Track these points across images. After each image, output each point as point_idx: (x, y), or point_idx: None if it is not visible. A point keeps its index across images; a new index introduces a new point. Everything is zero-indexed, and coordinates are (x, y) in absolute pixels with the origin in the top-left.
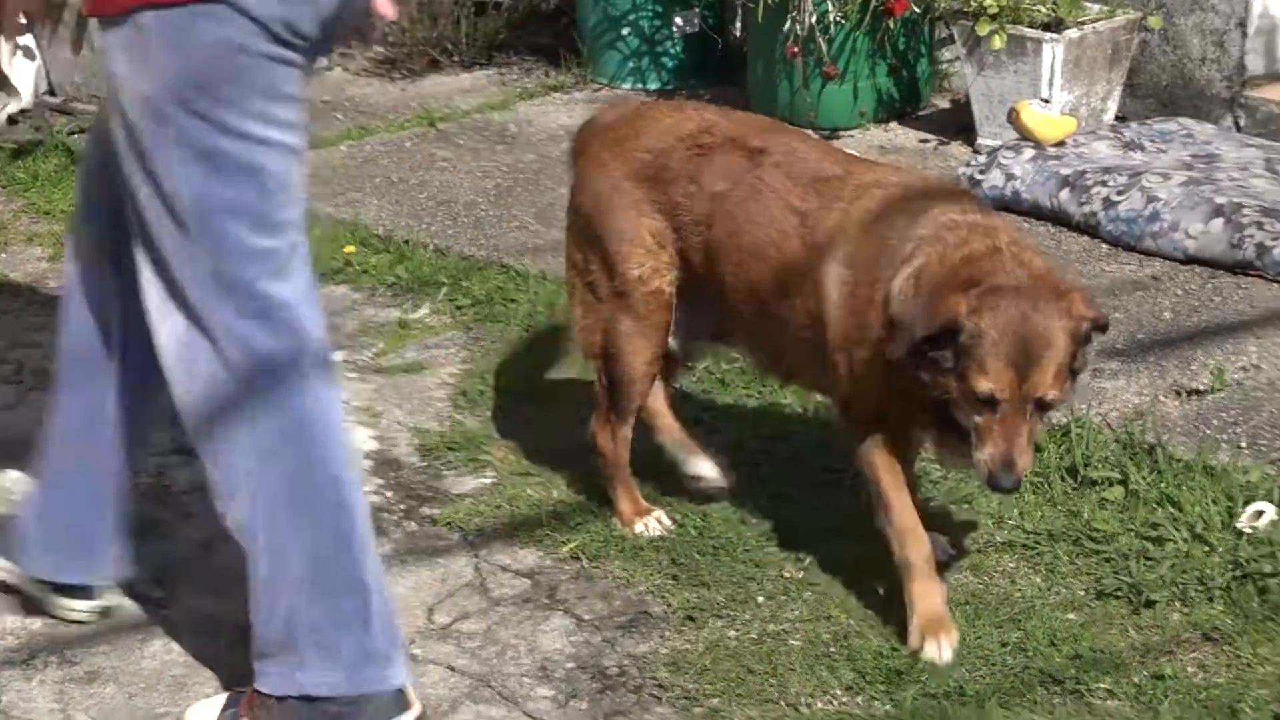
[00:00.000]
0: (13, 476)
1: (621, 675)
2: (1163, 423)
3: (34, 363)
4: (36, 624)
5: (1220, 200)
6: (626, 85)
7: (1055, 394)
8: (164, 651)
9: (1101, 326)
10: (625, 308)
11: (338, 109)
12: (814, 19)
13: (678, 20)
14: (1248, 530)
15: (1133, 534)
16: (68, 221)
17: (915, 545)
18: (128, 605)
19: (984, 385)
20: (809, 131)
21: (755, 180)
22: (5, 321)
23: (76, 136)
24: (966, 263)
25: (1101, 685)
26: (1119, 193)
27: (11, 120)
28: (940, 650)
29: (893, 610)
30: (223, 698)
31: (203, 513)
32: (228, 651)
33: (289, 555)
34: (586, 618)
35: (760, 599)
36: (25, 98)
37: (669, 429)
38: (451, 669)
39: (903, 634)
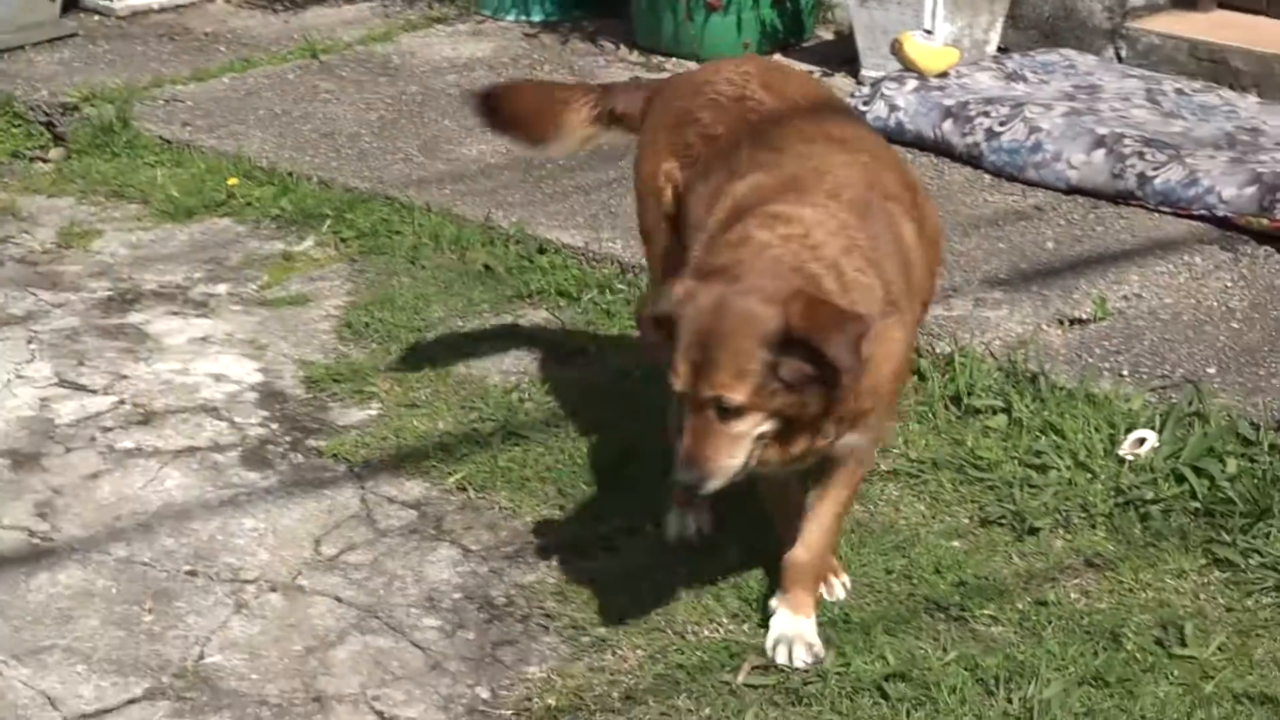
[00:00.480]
0: None
1: (509, 605)
2: (1045, 351)
3: None
4: None
5: (1102, 131)
6: (510, 17)
7: (738, 399)
8: (49, 584)
9: (802, 339)
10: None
11: (219, 41)
12: None
13: None
14: (1129, 457)
15: (1016, 462)
16: None
17: None
18: None
19: (671, 378)
20: (838, 104)
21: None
22: None
23: None
24: (728, 247)
25: (986, 612)
26: (1001, 123)
27: None
28: None
29: (776, 536)
30: None
31: (84, 445)
32: (111, 582)
33: None
34: (473, 548)
35: (648, 528)
36: None
37: None
38: (339, 600)
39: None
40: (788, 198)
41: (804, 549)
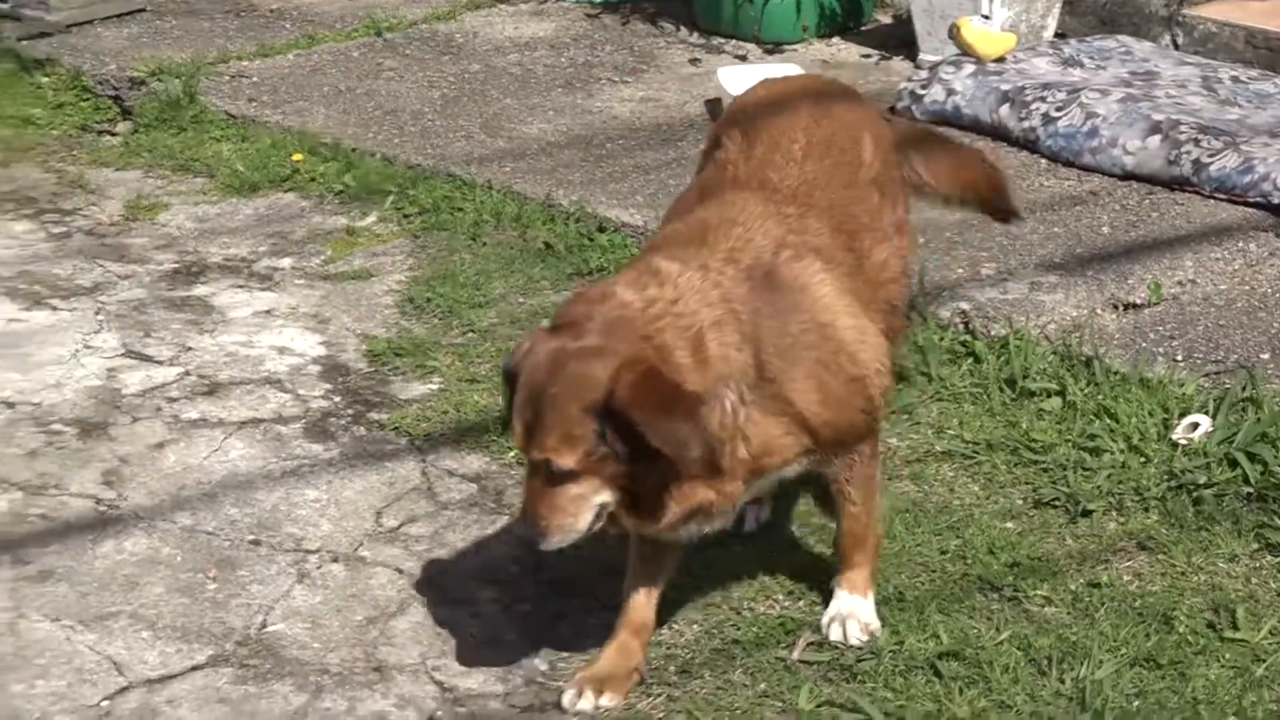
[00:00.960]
0: None
1: (565, 580)
2: (1100, 335)
3: None
4: None
5: (1158, 117)
6: None
7: (567, 464)
8: (115, 551)
9: (621, 410)
10: None
11: (285, 18)
12: None
13: None
14: (1182, 442)
15: (1070, 444)
16: (15, 127)
17: None
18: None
19: (510, 434)
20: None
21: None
22: None
23: (26, 42)
24: (587, 301)
25: (1039, 592)
26: (1058, 108)
27: None
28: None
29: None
30: None
31: (150, 415)
32: (175, 550)
33: None
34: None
35: None
36: None
37: None
38: (399, 571)
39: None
40: (682, 252)
41: (859, 527)
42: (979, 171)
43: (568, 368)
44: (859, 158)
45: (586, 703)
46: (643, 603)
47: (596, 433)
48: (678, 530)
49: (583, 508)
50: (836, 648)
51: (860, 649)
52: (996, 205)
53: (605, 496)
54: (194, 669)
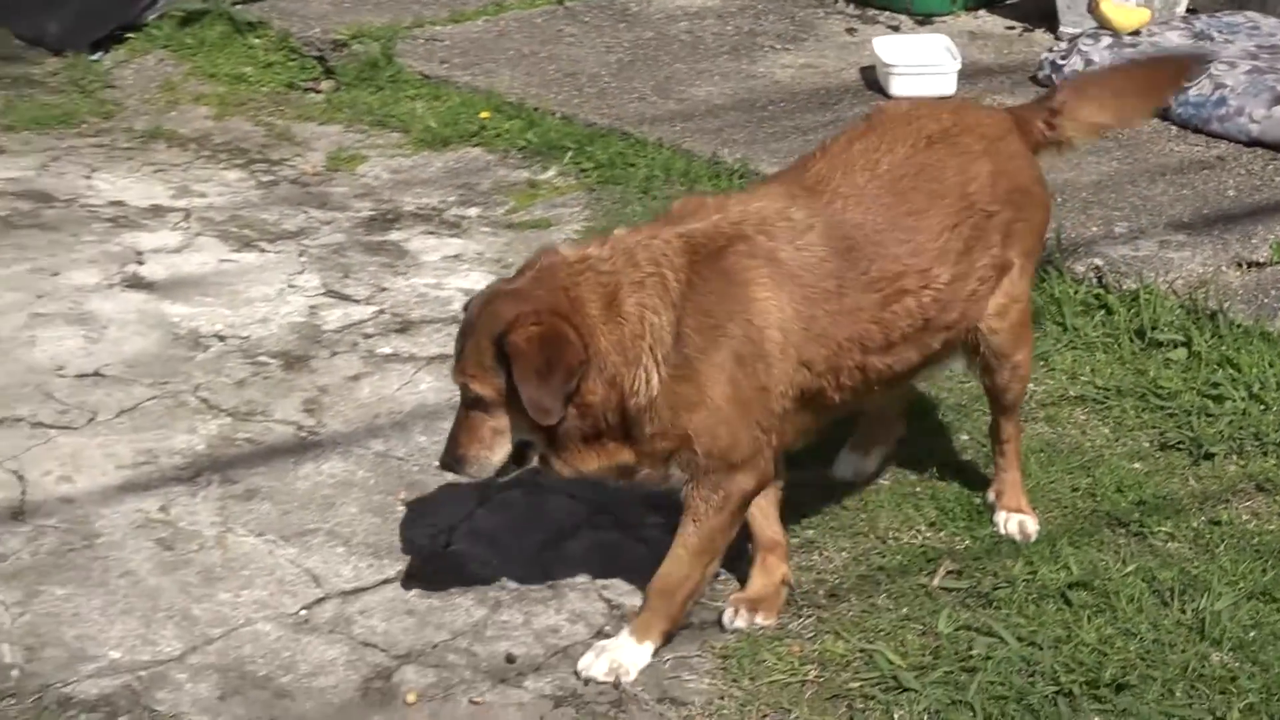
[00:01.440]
0: None
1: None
2: (1224, 291)
3: (199, 210)
4: (201, 445)
5: None
6: None
7: (480, 390)
8: (314, 473)
9: (507, 354)
10: None
11: None
12: None
13: None
14: None
15: (1194, 392)
16: (229, 83)
17: None
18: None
19: None
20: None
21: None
22: (174, 173)
23: (239, 6)
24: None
25: (1163, 529)
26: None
27: None
28: None
29: (973, 454)
30: None
31: (347, 349)
32: (369, 474)
33: None
34: None
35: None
36: None
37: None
38: (573, 497)
39: (980, 481)
40: (655, 222)
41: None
42: (1147, 82)
43: (492, 304)
44: (954, 192)
45: (742, 621)
46: (762, 521)
47: (499, 366)
48: (606, 480)
49: (499, 441)
50: (974, 575)
51: (995, 577)
52: (1182, 82)
53: (524, 434)
54: (384, 582)
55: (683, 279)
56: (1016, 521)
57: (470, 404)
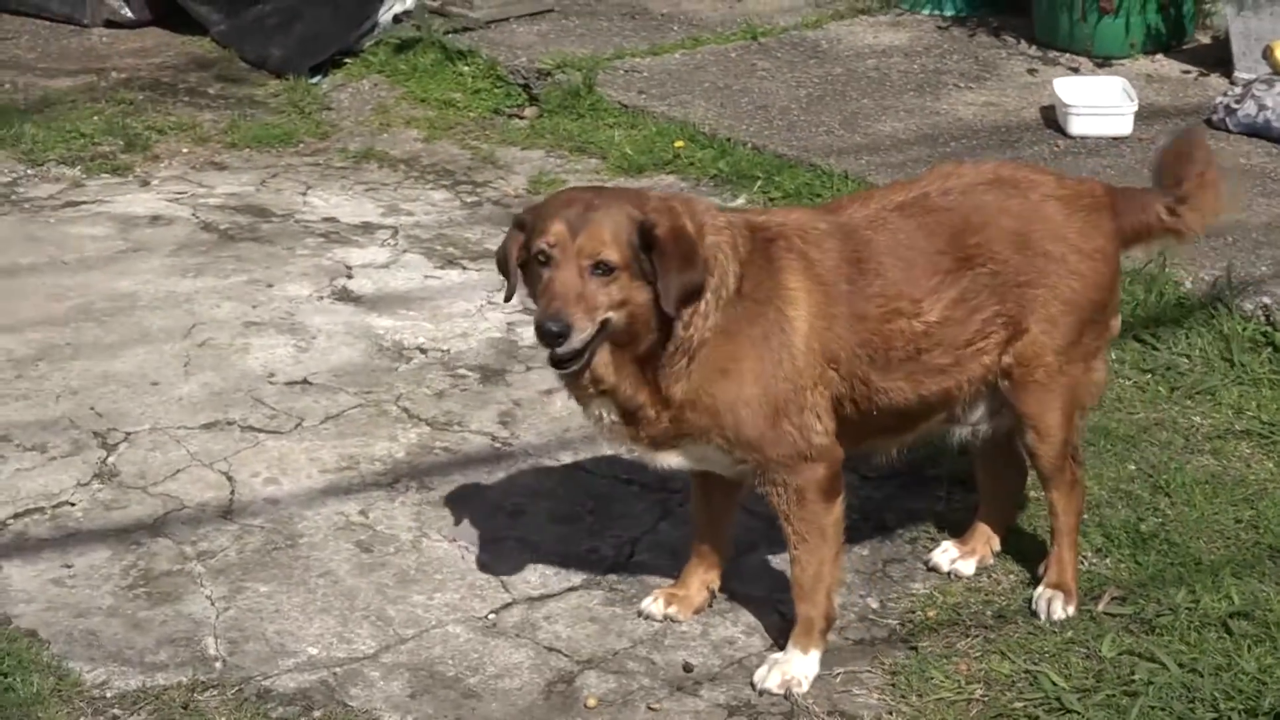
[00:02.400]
0: None
1: (899, 527)
2: None
3: (406, 228)
4: (400, 452)
5: None
6: (925, 11)
7: (613, 257)
8: (507, 483)
9: (650, 226)
10: None
11: (673, 21)
12: None
13: None
14: None
15: None
16: (439, 108)
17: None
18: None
19: (538, 240)
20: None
21: None
22: (384, 192)
23: (451, 35)
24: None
25: None
26: None
27: (396, 19)
28: None
29: (1140, 485)
30: None
31: (541, 365)
32: (557, 485)
33: None
34: (870, 476)
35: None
36: (409, 0)
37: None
38: (752, 513)
39: (1147, 509)
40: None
41: (798, 572)
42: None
43: (614, 194)
44: (951, 241)
45: (656, 609)
46: (706, 528)
47: (636, 245)
48: (611, 407)
49: (598, 313)
50: (1138, 602)
51: (1160, 606)
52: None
53: (615, 313)
54: (570, 590)
55: (745, 249)
56: (1047, 599)
57: (589, 270)
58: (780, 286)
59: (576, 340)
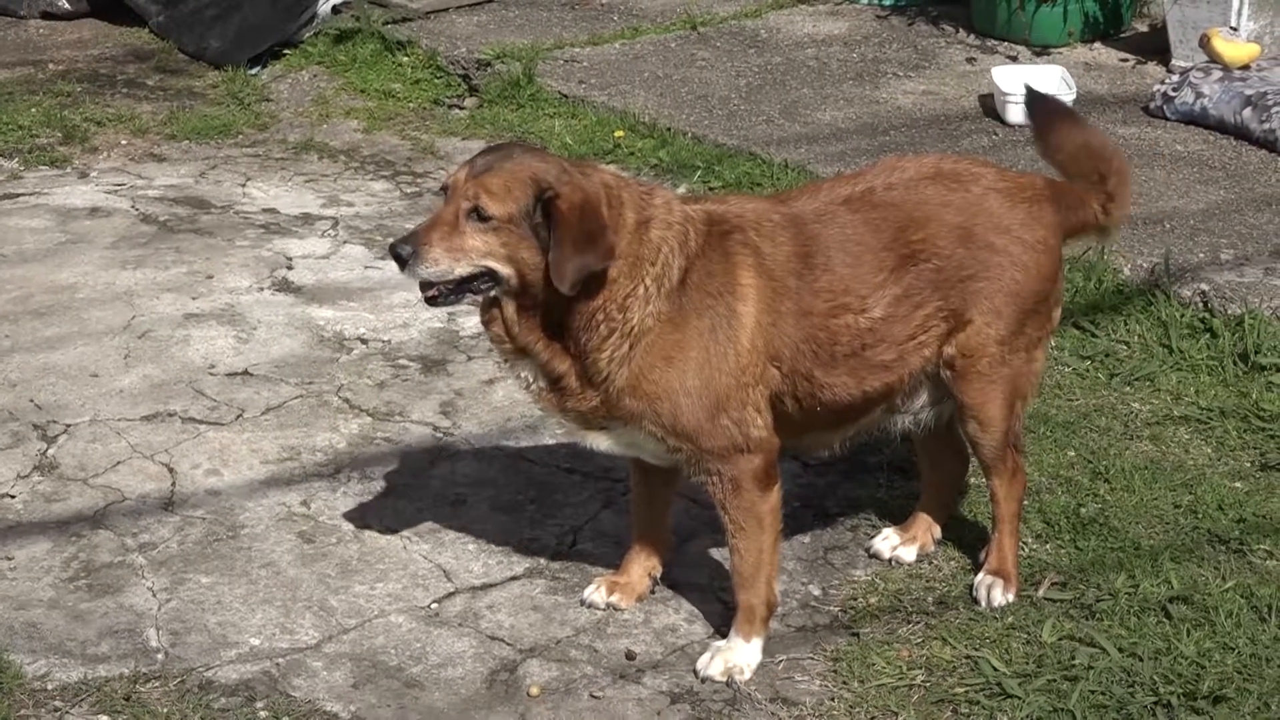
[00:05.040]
0: None
1: (840, 515)
2: None
3: (347, 219)
4: (342, 443)
5: None
6: (864, 0)
7: (493, 209)
8: (449, 473)
9: (552, 196)
10: None
11: (613, 11)
12: None
13: None
14: None
15: None
16: (378, 99)
17: None
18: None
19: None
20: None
21: None
22: (324, 183)
23: (390, 26)
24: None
25: (1263, 546)
26: None
27: (335, 10)
28: None
29: (1079, 470)
30: None
31: (483, 355)
32: (499, 474)
33: None
34: (811, 463)
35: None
36: None
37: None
38: (693, 501)
39: (1087, 495)
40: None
41: (738, 562)
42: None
43: (544, 157)
44: (894, 236)
45: (599, 597)
46: (646, 517)
47: (528, 205)
48: (536, 371)
49: (470, 259)
50: (1078, 588)
51: (1100, 591)
52: None
53: (497, 265)
54: (512, 579)
55: (697, 243)
56: (987, 585)
57: (465, 215)
58: (734, 282)
59: (424, 271)
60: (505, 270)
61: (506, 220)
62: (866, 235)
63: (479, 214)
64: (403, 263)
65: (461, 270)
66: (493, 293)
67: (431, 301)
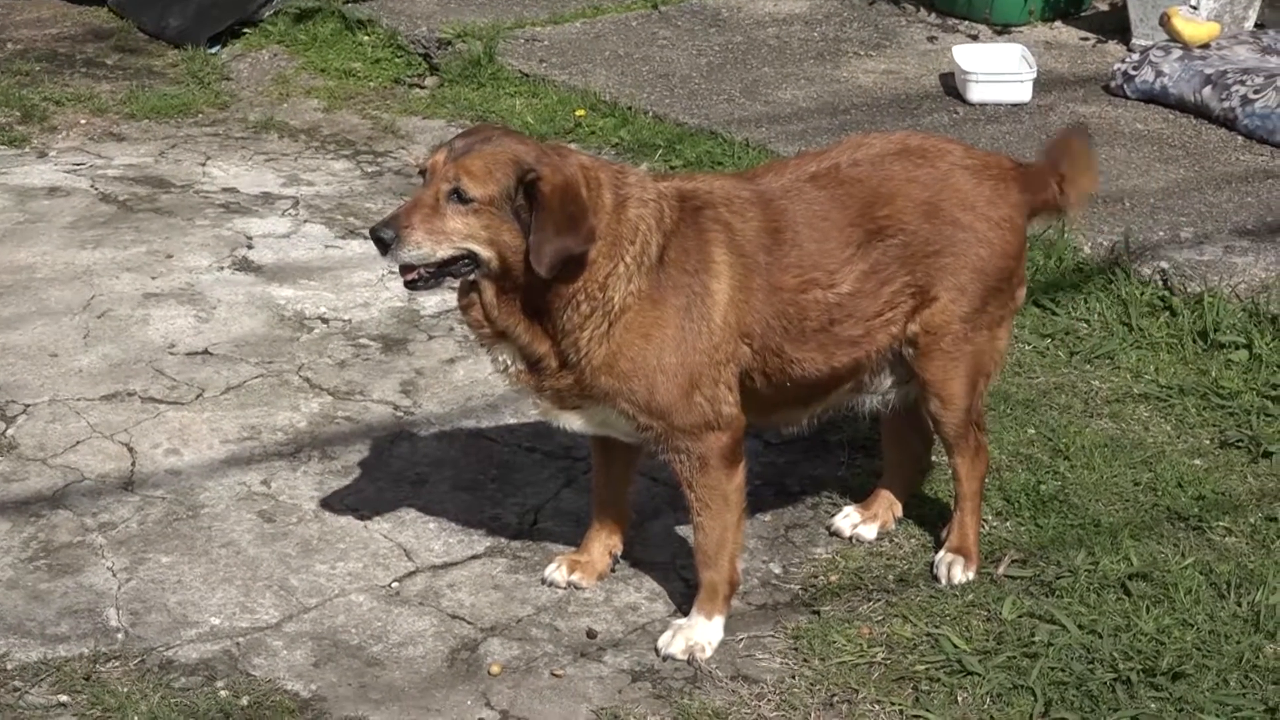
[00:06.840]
0: None
1: (801, 493)
2: None
3: (307, 198)
4: (302, 422)
5: None
6: None
7: (474, 190)
8: (409, 452)
9: (534, 178)
10: None
11: None
12: None
13: None
14: None
15: (1255, 392)
16: (339, 78)
17: None
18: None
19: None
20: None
21: None
22: (284, 162)
23: (350, 5)
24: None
25: (1221, 524)
26: (1255, 91)
27: None
28: None
29: (1040, 448)
30: None
31: (443, 334)
32: (460, 453)
33: None
34: (773, 441)
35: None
36: None
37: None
38: (655, 480)
39: (1047, 473)
40: (669, 177)
41: (701, 539)
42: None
43: (517, 139)
44: (861, 212)
45: (560, 575)
46: (605, 497)
47: (509, 187)
48: (515, 354)
49: (451, 242)
50: (1038, 565)
51: (1060, 568)
52: None
53: (479, 247)
54: (473, 558)
55: (672, 220)
56: (948, 563)
57: (446, 197)
58: (707, 259)
59: (406, 254)
60: (486, 253)
61: (488, 202)
62: (833, 211)
63: (460, 196)
64: (384, 246)
65: (444, 253)
66: (472, 276)
67: (412, 285)
